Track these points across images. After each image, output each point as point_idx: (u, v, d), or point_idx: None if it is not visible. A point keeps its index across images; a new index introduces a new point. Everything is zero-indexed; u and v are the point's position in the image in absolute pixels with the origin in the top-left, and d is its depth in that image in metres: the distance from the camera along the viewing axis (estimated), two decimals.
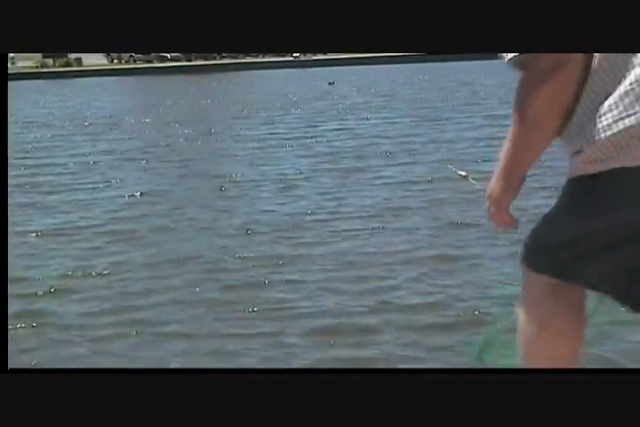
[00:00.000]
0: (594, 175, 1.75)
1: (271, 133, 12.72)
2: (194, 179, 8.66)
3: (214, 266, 4.97)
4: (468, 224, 5.68)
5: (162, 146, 11.63)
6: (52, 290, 4.57)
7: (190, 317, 4.08)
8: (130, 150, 11.28)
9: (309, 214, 6.42)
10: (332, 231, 5.81)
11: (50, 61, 47.26)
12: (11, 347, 3.02)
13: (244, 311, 4.10)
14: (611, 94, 1.71)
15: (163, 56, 46.49)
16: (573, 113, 1.78)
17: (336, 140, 11.41)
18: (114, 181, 8.54)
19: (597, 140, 1.71)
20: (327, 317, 3.98)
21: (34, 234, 6.04)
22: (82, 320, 4.09)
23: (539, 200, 5.53)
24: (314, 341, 3.68)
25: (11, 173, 8.11)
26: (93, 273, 4.91)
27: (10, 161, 9.40)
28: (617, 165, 1.70)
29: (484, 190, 1.99)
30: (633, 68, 1.70)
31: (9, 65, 40.82)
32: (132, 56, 49.26)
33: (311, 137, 12.01)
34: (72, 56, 47.20)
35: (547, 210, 1.95)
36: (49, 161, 10.42)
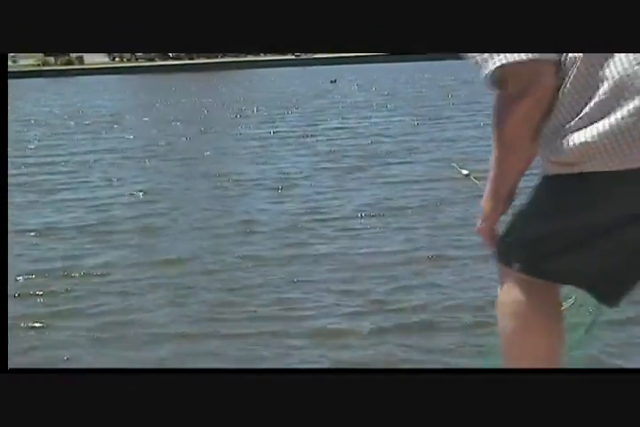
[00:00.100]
0: (564, 175, 1.78)
1: (272, 132, 12.72)
2: (194, 178, 8.66)
3: (214, 266, 4.96)
4: (469, 224, 5.66)
5: (162, 145, 11.63)
6: (49, 290, 4.57)
7: (190, 317, 4.07)
8: (130, 149, 11.29)
9: (309, 213, 6.41)
10: (332, 230, 5.80)
11: (51, 60, 47.28)
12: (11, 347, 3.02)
13: (244, 312, 4.08)
14: (581, 104, 1.73)
15: (164, 54, 46.48)
16: (547, 119, 1.80)
17: (337, 139, 11.41)
18: (113, 180, 8.54)
19: (567, 147, 1.74)
20: (327, 317, 3.97)
21: (32, 233, 6.03)
22: (79, 320, 4.08)
23: None
24: (314, 341, 3.67)
25: (10, 171, 8.10)
26: (89, 272, 4.89)
27: (10, 160, 9.40)
28: (585, 169, 1.73)
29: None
30: (604, 80, 1.70)
31: (10, 63, 40.86)
32: (133, 54, 49.26)
33: (312, 135, 12.01)
34: (73, 54, 47.18)
35: None
36: (49, 160, 10.42)
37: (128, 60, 49.68)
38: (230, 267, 4.92)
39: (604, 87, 1.69)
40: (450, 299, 4.14)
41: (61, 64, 46.09)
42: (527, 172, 1.95)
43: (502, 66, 1.76)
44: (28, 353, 3.61)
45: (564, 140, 1.74)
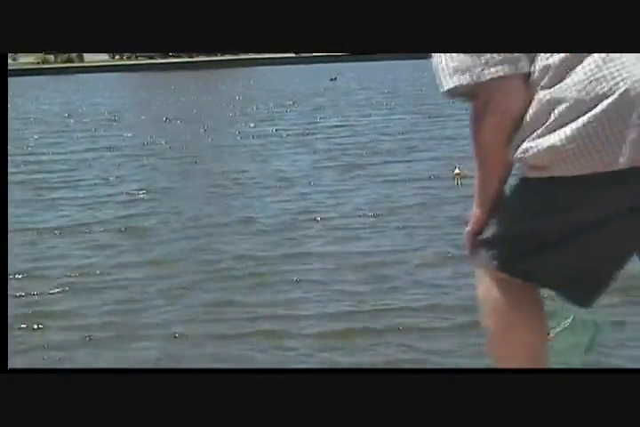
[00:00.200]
0: (537, 179, 1.82)
1: (271, 130, 12.72)
2: (192, 176, 8.65)
3: (212, 265, 4.95)
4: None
5: (162, 143, 11.62)
6: (56, 290, 4.55)
7: (189, 317, 4.06)
8: (129, 147, 11.28)
9: (308, 212, 6.40)
10: (331, 229, 5.79)
11: (51, 57, 47.27)
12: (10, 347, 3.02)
13: (242, 312, 4.07)
14: (550, 109, 1.75)
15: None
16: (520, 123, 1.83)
17: (336, 137, 11.40)
18: (112, 178, 8.53)
19: (536, 152, 1.77)
20: (326, 317, 3.96)
21: (29, 231, 6.02)
22: (81, 320, 4.07)
23: None
24: (313, 341, 3.66)
25: (10, 169, 8.10)
26: (93, 272, 4.89)
27: (9, 158, 9.39)
28: (554, 173, 1.77)
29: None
30: (571, 86, 1.73)
31: (11, 61, 40.82)
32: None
33: (312, 133, 12.01)
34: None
35: None
36: (48, 158, 10.42)
37: (128, 58, 49.67)
38: (228, 266, 4.91)
39: (571, 93, 1.72)
40: (450, 299, 4.12)
41: (61, 62, 46.10)
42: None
43: (459, 86, 1.84)
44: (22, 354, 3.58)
45: (534, 145, 1.77)
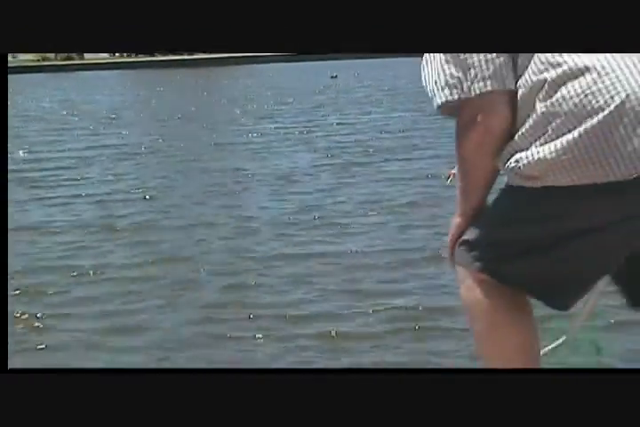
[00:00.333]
0: (527, 187, 1.84)
1: (271, 128, 12.71)
2: (192, 173, 8.64)
3: (213, 265, 4.95)
4: None
5: (161, 141, 11.62)
6: (56, 290, 4.55)
7: (188, 317, 4.05)
8: (128, 145, 11.27)
9: (308, 210, 6.40)
10: (331, 227, 5.78)
11: (51, 55, 47.24)
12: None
13: (243, 313, 4.06)
14: (544, 121, 1.78)
15: None
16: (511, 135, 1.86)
17: (336, 135, 11.40)
18: (111, 177, 8.53)
19: (529, 162, 1.80)
20: (327, 317, 3.95)
21: (29, 230, 6.01)
22: (75, 322, 4.06)
23: None
24: (314, 342, 3.65)
25: (10, 167, 8.09)
26: (86, 272, 4.87)
27: (9, 155, 9.40)
28: (546, 183, 1.79)
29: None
30: (565, 99, 1.75)
31: (10, 58, 40.78)
32: None
33: (312, 131, 12.00)
34: None
35: None
36: (46, 156, 10.41)
37: (128, 56, 49.63)
38: (229, 265, 4.90)
39: (567, 106, 1.74)
40: (450, 300, 4.11)
41: (61, 59, 46.08)
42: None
43: (447, 102, 1.89)
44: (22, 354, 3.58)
45: (529, 155, 1.79)
